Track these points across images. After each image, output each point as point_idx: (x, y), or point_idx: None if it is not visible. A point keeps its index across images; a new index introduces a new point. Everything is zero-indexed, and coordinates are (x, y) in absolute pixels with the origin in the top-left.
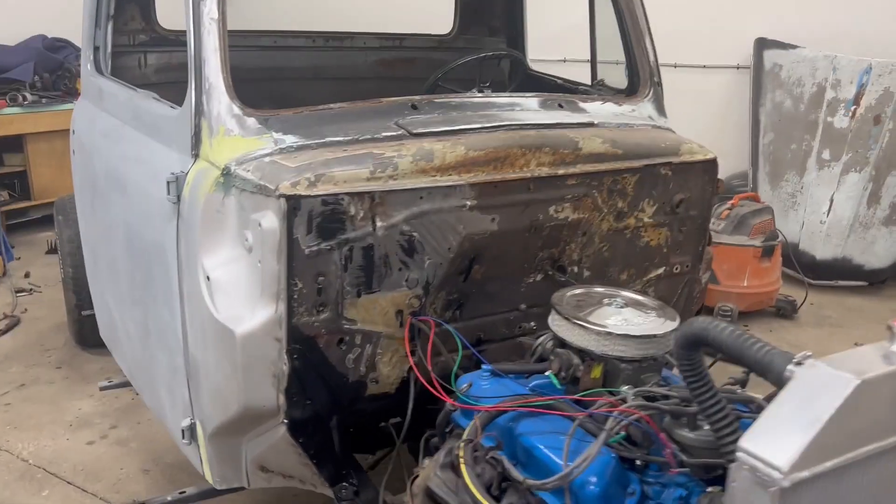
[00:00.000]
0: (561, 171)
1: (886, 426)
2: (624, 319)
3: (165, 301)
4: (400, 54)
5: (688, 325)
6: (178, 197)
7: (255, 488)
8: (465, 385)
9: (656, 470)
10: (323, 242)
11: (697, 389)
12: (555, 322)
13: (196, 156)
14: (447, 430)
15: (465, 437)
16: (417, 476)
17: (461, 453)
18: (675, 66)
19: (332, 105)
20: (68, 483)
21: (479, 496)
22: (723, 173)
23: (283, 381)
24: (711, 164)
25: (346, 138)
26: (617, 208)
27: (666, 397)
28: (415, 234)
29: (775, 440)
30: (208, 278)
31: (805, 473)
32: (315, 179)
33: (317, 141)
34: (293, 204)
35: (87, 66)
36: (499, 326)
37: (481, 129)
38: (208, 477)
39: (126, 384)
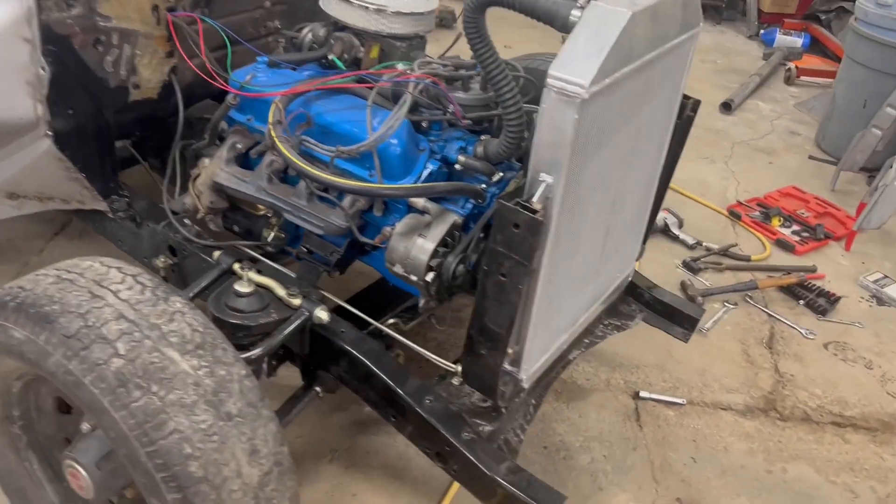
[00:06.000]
0: None
1: (641, 49)
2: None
3: None
4: None
5: None
6: None
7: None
8: (249, 76)
9: (438, 129)
10: None
11: (481, 51)
12: (331, 5)
13: None
14: (221, 130)
15: (270, 120)
16: (199, 175)
17: (273, 132)
18: None
19: None
20: None
21: (302, 164)
22: None
23: (43, 88)
24: None
25: None
26: None
27: (443, 66)
28: None
29: (576, 65)
30: None
31: (595, 88)
32: None
33: None
34: None
35: None
36: (245, 26)
37: None
38: None
39: None
